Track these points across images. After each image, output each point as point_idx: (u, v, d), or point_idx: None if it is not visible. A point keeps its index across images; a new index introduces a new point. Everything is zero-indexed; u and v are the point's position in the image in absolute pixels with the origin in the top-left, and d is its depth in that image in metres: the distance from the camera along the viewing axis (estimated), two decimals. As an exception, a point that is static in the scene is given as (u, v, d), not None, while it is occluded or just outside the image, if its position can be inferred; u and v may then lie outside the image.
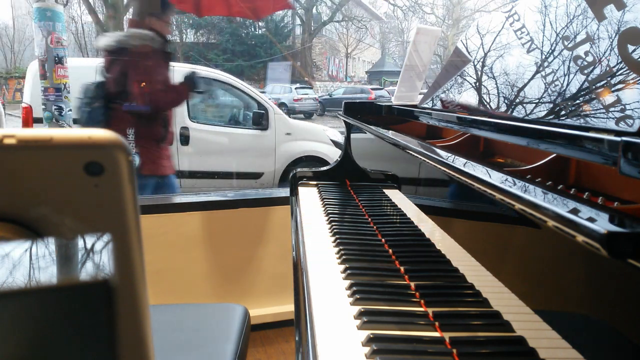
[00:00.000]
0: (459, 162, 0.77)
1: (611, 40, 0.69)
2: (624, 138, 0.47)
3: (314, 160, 4.99)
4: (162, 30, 2.03)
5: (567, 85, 0.74)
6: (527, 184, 0.60)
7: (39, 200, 0.21)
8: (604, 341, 0.55)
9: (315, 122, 11.50)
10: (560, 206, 0.49)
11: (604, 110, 0.63)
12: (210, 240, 2.07)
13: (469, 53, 1.10)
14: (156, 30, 2.03)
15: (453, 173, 0.75)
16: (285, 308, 2.17)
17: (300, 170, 1.53)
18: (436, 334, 0.61)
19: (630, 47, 0.65)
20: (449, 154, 0.85)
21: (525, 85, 0.85)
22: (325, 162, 4.65)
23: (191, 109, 4.73)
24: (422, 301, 0.70)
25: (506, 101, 0.88)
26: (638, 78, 0.61)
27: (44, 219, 0.21)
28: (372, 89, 17.91)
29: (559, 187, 0.69)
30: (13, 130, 0.21)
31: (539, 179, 0.73)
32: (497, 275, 0.79)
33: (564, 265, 0.63)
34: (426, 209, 1.05)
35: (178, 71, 4.74)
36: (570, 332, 0.59)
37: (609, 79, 0.66)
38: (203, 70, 5.15)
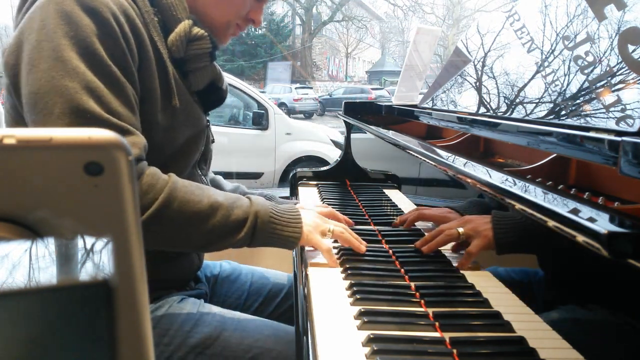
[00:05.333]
0: (459, 162, 0.77)
1: (611, 40, 0.69)
2: (624, 138, 0.47)
3: (314, 160, 4.98)
4: None
5: (568, 85, 0.74)
6: (527, 184, 0.60)
7: (38, 200, 0.21)
8: (605, 341, 0.55)
9: (315, 122, 11.50)
10: (561, 206, 0.49)
11: (604, 110, 0.63)
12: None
13: (469, 53, 1.10)
14: None
15: (453, 173, 0.75)
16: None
17: (300, 170, 1.53)
18: (436, 334, 0.61)
19: (631, 47, 0.65)
20: (449, 154, 0.85)
21: (525, 85, 0.85)
22: (325, 162, 4.64)
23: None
24: (422, 301, 0.70)
25: (506, 101, 0.88)
26: (638, 78, 0.61)
27: (44, 219, 0.21)
28: (372, 89, 17.91)
29: (559, 187, 0.69)
30: (13, 130, 0.21)
31: (539, 179, 0.73)
32: (494, 274, 0.79)
33: (564, 265, 0.63)
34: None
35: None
36: (570, 332, 0.59)
37: (609, 78, 0.66)
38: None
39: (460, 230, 0.81)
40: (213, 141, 1.05)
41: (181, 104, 0.88)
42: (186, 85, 0.90)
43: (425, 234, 1.00)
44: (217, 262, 1.18)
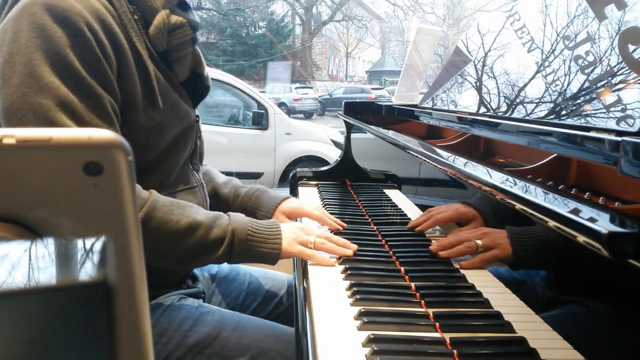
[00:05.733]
0: (459, 162, 0.77)
1: (612, 39, 0.69)
2: (625, 138, 0.47)
3: (314, 160, 4.98)
4: None
5: (568, 85, 0.74)
6: (527, 184, 0.60)
7: (38, 200, 0.21)
8: (606, 342, 0.55)
9: (315, 122, 11.49)
10: (561, 206, 0.48)
11: (604, 110, 0.63)
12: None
13: (469, 53, 1.10)
14: None
15: (453, 173, 0.75)
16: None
17: (300, 170, 1.53)
18: (437, 335, 0.61)
19: (631, 47, 0.65)
20: (449, 154, 0.85)
21: (525, 85, 0.85)
22: (325, 162, 4.64)
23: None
24: (423, 302, 0.70)
25: (507, 101, 0.88)
26: (639, 78, 0.61)
27: (43, 219, 0.21)
28: (372, 89, 17.90)
29: (559, 187, 0.69)
30: (12, 130, 0.21)
31: (540, 179, 0.73)
32: (496, 274, 0.79)
33: (567, 264, 0.63)
34: (426, 209, 1.05)
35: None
36: (571, 332, 0.59)
37: (609, 78, 0.66)
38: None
39: (479, 242, 0.81)
40: (200, 136, 1.03)
41: (166, 103, 0.86)
42: (170, 82, 0.89)
43: (426, 234, 1.00)
44: None
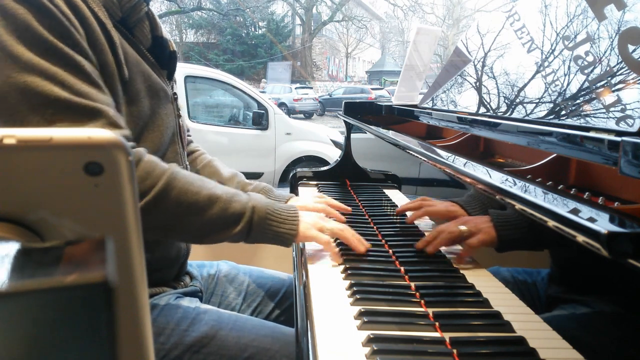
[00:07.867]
0: (459, 162, 0.77)
1: (611, 40, 0.69)
2: (624, 138, 0.47)
3: (314, 160, 4.98)
4: None
5: (568, 85, 0.74)
6: (527, 184, 0.60)
7: (39, 200, 0.21)
8: (606, 341, 0.55)
9: (315, 122, 11.50)
10: (561, 206, 0.49)
11: (604, 110, 0.63)
12: (210, 240, 2.06)
13: (469, 53, 1.10)
14: None
15: (453, 173, 0.75)
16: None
17: (300, 170, 1.53)
18: (436, 334, 0.61)
19: (631, 47, 0.65)
20: (449, 154, 0.85)
21: (525, 85, 0.85)
22: (325, 162, 4.64)
23: (191, 108, 4.73)
24: (423, 301, 0.70)
25: (506, 101, 0.88)
26: (638, 78, 0.61)
27: (44, 219, 0.21)
28: (372, 89, 17.91)
29: (559, 187, 0.69)
30: (13, 130, 0.21)
31: (539, 179, 0.73)
32: (497, 275, 0.79)
33: (565, 260, 0.63)
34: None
35: (178, 71, 4.74)
36: (570, 332, 0.59)
37: (609, 78, 0.66)
38: (203, 71, 5.15)
39: (462, 228, 0.82)
40: (180, 115, 1.01)
41: (137, 73, 0.85)
42: (140, 52, 0.87)
43: (426, 233, 1.00)
44: (214, 262, 1.18)
